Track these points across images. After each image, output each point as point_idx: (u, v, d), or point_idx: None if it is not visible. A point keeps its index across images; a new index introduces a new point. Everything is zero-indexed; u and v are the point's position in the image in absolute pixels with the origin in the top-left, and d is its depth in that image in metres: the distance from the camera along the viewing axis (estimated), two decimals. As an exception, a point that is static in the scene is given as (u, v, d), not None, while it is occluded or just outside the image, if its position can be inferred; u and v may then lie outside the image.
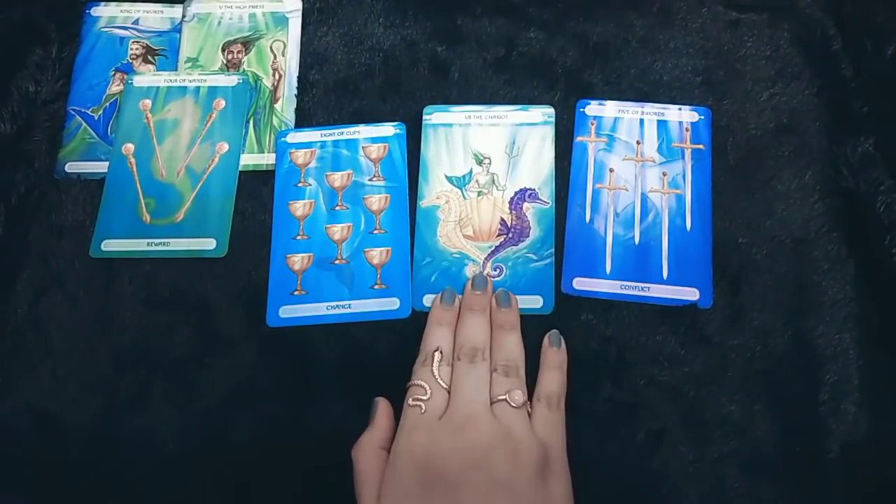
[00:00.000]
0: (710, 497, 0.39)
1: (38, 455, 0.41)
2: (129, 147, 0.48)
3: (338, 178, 0.47)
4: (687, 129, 0.47)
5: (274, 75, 0.50)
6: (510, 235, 0.45)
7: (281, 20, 0.52)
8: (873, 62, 0.48)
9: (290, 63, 0.50)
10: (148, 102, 0.49)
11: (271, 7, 0.52)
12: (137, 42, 0.51)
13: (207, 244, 0.45)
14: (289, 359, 0.43)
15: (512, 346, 0.40)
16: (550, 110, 0.48)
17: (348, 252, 0.45)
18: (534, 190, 0.46)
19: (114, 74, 0.50)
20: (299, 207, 0.46)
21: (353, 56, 0.50)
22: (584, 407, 0.41)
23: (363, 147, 0.48)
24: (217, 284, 0.44)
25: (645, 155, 0.47)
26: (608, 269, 0.44)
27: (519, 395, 0.37)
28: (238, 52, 0.51)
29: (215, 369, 0.42)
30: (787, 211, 0.45)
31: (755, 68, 0.49)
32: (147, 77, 0.50)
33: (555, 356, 0.41)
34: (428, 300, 0.43)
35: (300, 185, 0.47)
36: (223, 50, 0.51)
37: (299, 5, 0.52)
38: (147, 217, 0.46)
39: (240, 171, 0.47)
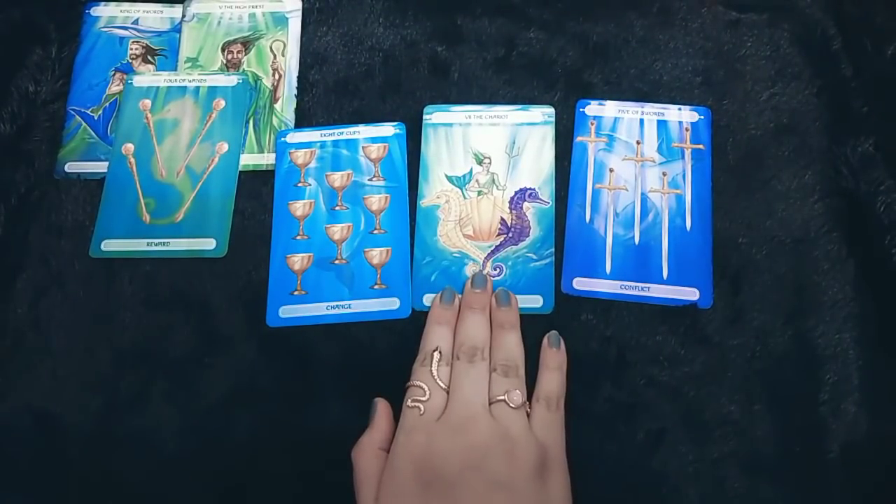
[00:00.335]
0: (710, 497, 0.39)
1: (38, 455, 0.41)
2: (129, 147, 0.48)
3: (338, 178, 0.47)
4: (687, 129, 0.47)
5: (274, 75, 0.50)
6: (510, 235, 0.45)
7: (281, 20, 0.52)
8: (873, 62, 0.48)
9: (290, 63, 0.50)
10: (148, 102, 0.49)
11: (271, 7, 0.52)
12: (137, 42, 0.51)
13: (207, 244, 0.45)
14: (289, 359, 0.43)
15: (511, 345, 0.40)
16: (550, 110, 0.48)
17: (348, 252, 0.45)
18: (534, 190, 0.46)
19: (114, 74, 0.50)
20: (299, 207, 0.46)
21: (353, 56, 0.50)
22: (584, 407, 0.41)
23: (363, 147, 0.48)
24: (217, 284, 0.44)
25: (645, 155, 0.47)
26: (608, 269, 0.44)
27: (518, 396, 0.37)
28: (238, 52, 0.51)
29: (215, 369, 0.42)
30: (787, 211, 0.45)
31: (755, 68, 0.49)
32: (147, 77, 0.50)
33: (554, 357, 0.41)
34: (428, 300, 0.43)
35: (300, 185, 0.47)
36: (223, 50, 0.51)
37: (299, 5, 0.52)
38: (147, 217, 0.46)
39: (240, 171, 0.47)
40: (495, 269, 0.44)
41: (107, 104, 0.49)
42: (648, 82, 0.49)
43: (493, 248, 0.45)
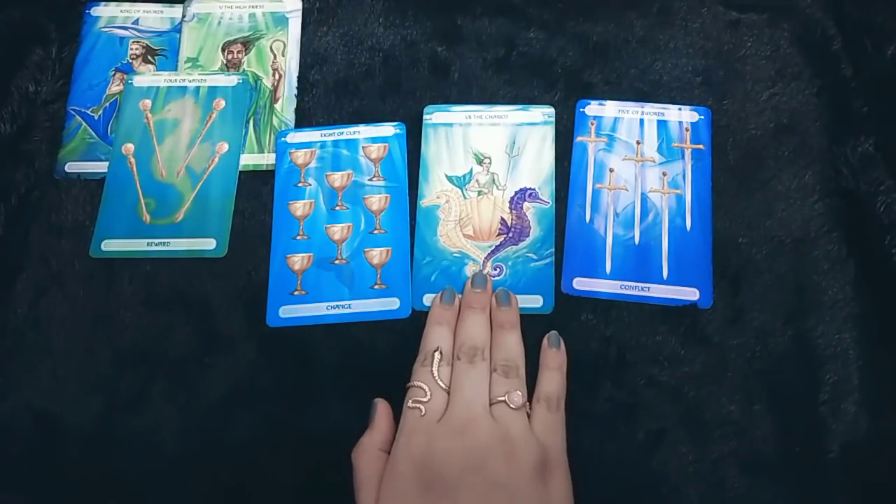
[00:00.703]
0: (710, 497, 0.39)
1: (38, 455, 0.41)
2: (129, 147, 0.48)
3: (338, 178, 0.47)
4: (687, 129, 0.47)
5: (274, 75, 0.50)
6: (510, 235, 0.45)
7: (281, 20, 0.52)
8: (873, 62, 0.48)
9: (290, 63, 0.50)
10: (148, 102, 0.49)
11: (271, 7, 0.52)
12: (137, 42, 0.51)
13: (207, 244, 0.45)
14: (289, 359, 0.43)
15: (512, 345, 0.40)
16: (550, 110, 0.48)
17: (348, 252, 0.45)
18: (534, 189, 0.46)
19: (114, 74, 0.50)
20: (299, 207, 0.46)
21: (353, 56, 0.50)
22: (584, 407, 0.41)
23: (363, 147, 0.48)
24: (217, 284, 0.44)
25: (645, 155, 0.47)
26: (608, 269, 0.44)
27: (518, 397, 0.37)
28: (238, 52, 0.51)
29: (215, 369, 0.42)
30: (787, 211, 0.45)
31: (755, 68, 0.49)
32: (147, 77, 0.50)
33: (554, 357, 0.41)
34: (428, 300, 0.43)
35: (300, 185, 0.47)
36: (223, 50, 0.51)
37: (299, 5, 0.52)
38: (147, 217, 0.46)
39: (240, 171, 0.47)
40: (495, 269, 0.44)
41: (107, 104, 0.49)
42: (648, 82, 0.49)
43: (493, 248, 0.45)
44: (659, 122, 0.47)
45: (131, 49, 0.51)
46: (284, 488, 0.40)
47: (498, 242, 0.45)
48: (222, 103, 0.49)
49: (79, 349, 0.43)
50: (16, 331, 0.43)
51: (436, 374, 0.38)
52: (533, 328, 0.42)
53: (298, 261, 0.45)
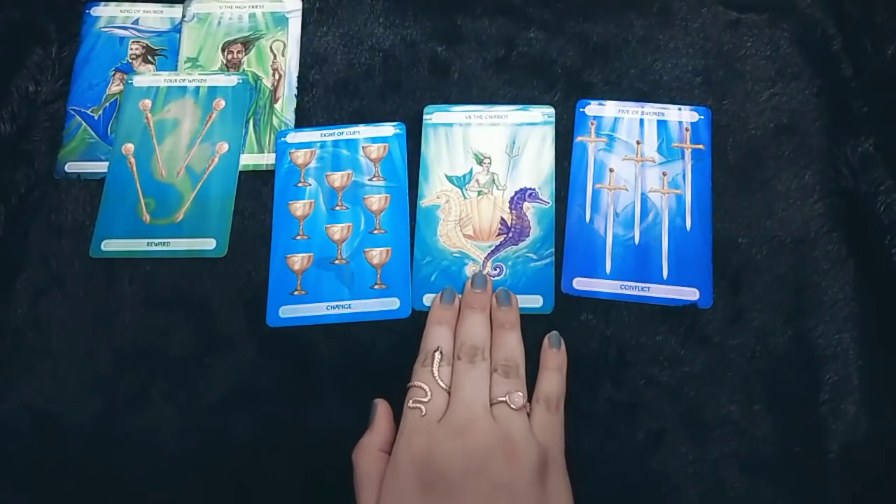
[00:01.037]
0: (710, 497, 0.39)
1: (38, 455, 0.41)
2: (129, 147, 0.48)
3: (338, 178, 0.47)
4: (687, 129, 0.47)
5: (274, 75, 0.50)
6: (510, 235, 0.45)
7: (281, 20, 0.52)
8: (873, 62, 0.48)
9: (290, 63, 0.50)
10: (148, 102, 0.49)
11: (271, 7, 0.52)
12: (137, 42, 0.51)
13: (207, 244, 0.45)
14: (289, 359, 0.43)
15: (512, 345, 0.40)
16: (550, 110, 0.48)
17: (348, 252, 0.45)
18: (534, 189, 0.46)
19: (114, 74, 0.50)
20: (299, 207, 0.46)
21: (353, 56, 0.50)
22: (584, 407, 0.41)
23: (363, 147, 0.48)
24: (217, 284, 0.44)
25: (645, 155, 0.47)
26: (608, 269, 0.44)
27: (519, 397, 0.37)
28: (238, 52, 0.51)
29: (215, 369, 0.42)
30: (787, 211, 0.45)
31: (755, 68, 0.49)
32: (147, 77, 0.50)
33: (554, 358, 0.41)
34: (428, 300, 0.43)
35: (300, 185, 0.47)
36: (223, 50, 0.51)
37: (299, 5, 0.52)
38: (147, 217, 0.46)
39: (240, 171, 0.47)
40: (495, 269, 0.44)
41: (107, 104, 0.49)
42: (648, 82, 0.49)
43: (493, 248, 0.45)
44: (659, 122, 0.47)
45: (131, 49, 0.51)
46: (284, 488, 0.40)
47: (498, 242, 0.45)
48: (222, 103, 0.49)
49: (79, 349, 0.43)
50: (16, 331, 0.43)
51: (436, 374, 0.38)
52: (533, 328, 0.42)
53: (298, 261, 0.45)
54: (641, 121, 0.47)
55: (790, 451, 0.40)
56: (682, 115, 0.47)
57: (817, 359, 0.41)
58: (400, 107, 0.49)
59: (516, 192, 0.46)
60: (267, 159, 0.48)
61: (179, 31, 0.52)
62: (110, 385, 0.42)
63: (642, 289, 0.43)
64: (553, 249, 0.44)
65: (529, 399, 0.38)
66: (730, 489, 0.39)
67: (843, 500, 0.39)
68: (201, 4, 0.52)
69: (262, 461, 0.41)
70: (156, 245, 0.45)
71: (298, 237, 0.45)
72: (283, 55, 0.51)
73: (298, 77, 0.50)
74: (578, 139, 0.47)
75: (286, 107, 0.49)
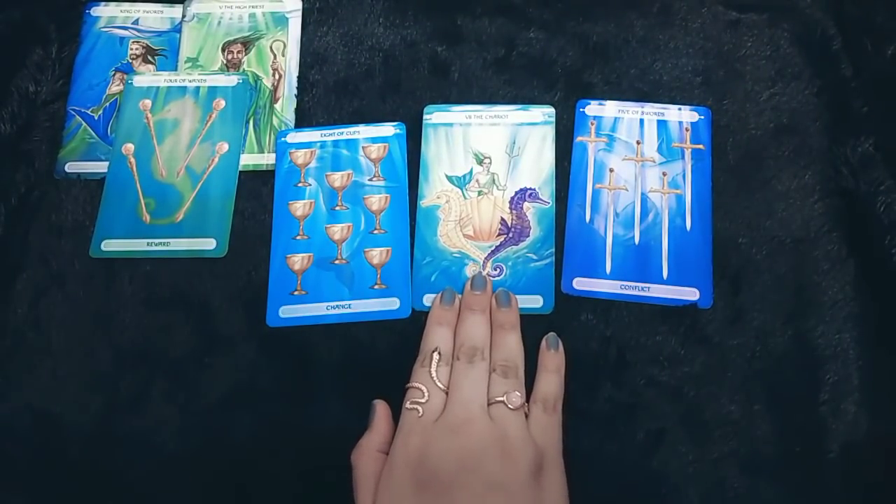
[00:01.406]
0: (710, 497, 0.39)
1: (38, 455, 0.41)
2: (129, 147, 0.48)
3: (338, 178, 0.47)
4: (687, 129, 0.47)
5: (274, 75, 0.50)
6: (510, 235, 0.45)
7: (281, 20, 0.52)
8: (873, 62, 0.48)
9: (290, 63, 0.50)
10: (148, 102, 0.49)
11: (271, 7, 0.52)
12: (137, 42, 0.51)
13: (207, 244, 0.45)
14: (289, 359, 0.43)
15: (511, 345, 0.40)
16: (551, 110, 0.48)
17: (348, 252, 0.45)
18: (534, 190, 0.46)
19: (114, 74, 0.50)
20: (299, 207, 0.46)
21: (353, 56, 0.50)
22: (584, 407, 0.41)
23: (363, 147, 0.48)
24: (217, 284, 0.44)
25: (645, 155, 0.47)
26: (608, 269, 0.44)
27: (517, 398, 0.37)
28: (238, 52, 0.51)
29: (215, 369, 0.42)
30: (787, 211, 0.45)
31: (755, 68, 0.49)
32: (147, 77, 0.50)
33: (552, 359, 0.40)
34: (428, 300, 0.43)
35: (300, 185, 0.47)
36: (223, 50, 0.51)
37: (299, 5, 0.52)
38: (147, 217, 0.46)
39: (240, 171, 0.47)
40: (495, 270, 0.44)
41: (107, 104, 0.49)
42: (648, 82, 0.49)
43: (493, 248, 0.45)
44: (659, 122, 0.47)
45: (131, 49, 0.51)
46: (284, 488, 0.40)
47: (498, 243, 0.45)
48: (222, 103, 0.49)
49: (79, 349, 0.43)
50: (16, 331, 0.43)
51: (434, 374, 0.38)
52: (533, 328, 0.42)
53: (298, 261, 0.45)
54: (641, 121, 0.47)
55: (790, 451, 0.40)
56: (682, 115, 0.47)
57: (817, 359, 0.41)
58: (400, 107, 0.49)
59: (516, 192, 0.46)
60: (267, 159, 0.48)
61: (179, 31, 0.52)
62: (110, 385, 0.42)
63: (642, 289, 0.43)
64: (553, 249, 0.44)
65: (528, 399, 0.38)
66: (730, 489, 0.39)
67: (843, 500, 0.39)
68: (201, 4, 0.52)
69: (262, 461, 0.41)
70: (156, 245, 0.45)
71: (298, 237, 0.45)
72: (283, 55, 0.51)
73: (298, 77, 0.50)
74: (578, 139, 0.47)
75: (286, 107, 0.49)
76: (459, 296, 0.42)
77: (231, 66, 0.51)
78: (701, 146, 0.47)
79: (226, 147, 0.48)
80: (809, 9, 0.50)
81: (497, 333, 0.40)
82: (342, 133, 0.48)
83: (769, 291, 0.43)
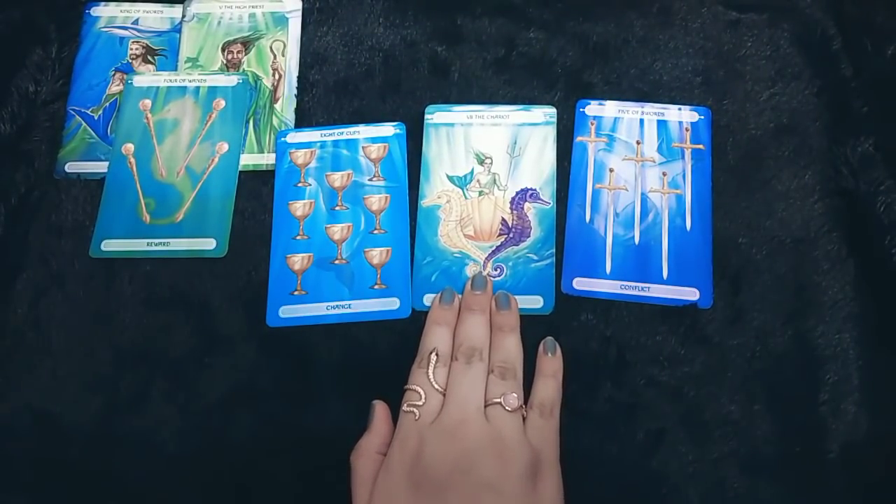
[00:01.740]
0: (710, 497, 0.39)
1: (38, 455, 0.41)
2: (129, 147, 0.48)
3: (338, 178, 0.47)
4: (687, 129, 0.47)
5: (274, 75, 0.50)
6: (511, 235, 0.45)
7: (281, 20, 0.52)
8: (873, 62, 0.48)
9: (290, 63, 0.50)
10: (148, 102, 0.49)
11: (271, 7, 0.52)
12: (137, 42, 0.51)
13: (207, 244, 0.45)
14: (289, 359, 0.43)
15: (510, 347, 0.40)
16: (552, 111, 0.48)
17: (348, 252, 0.45)
18: (535, 190, 0.46)
19: (114, 74, 0.50)
20: (299, 207, 0.46)
21: (353, 56, 0.50)
22: (584, 407, 0.41)
23: (363, 147, 0.48)
24: (217, 284, 0.44)
25: (645, 155, 0.47)
26: (608, 269, 0.44)
27: (514, 399, 0.37)
28: (238, 52, 0.51)
29: (215, 369, 0.42)
30: (787, 211, 0.45)
31: (755, 68, 0.49)
32: (147, 77, 0.50)
33: (549, 364, 0.40)
34: (428, 299, 0.43)
35: (300, 185, 0.47)
36: (223, 50, 0.51)
37: (299, 5, 0.52)
38: (147, 217, 0.46)
39: (240, 171, 0.47)
40: (496, 270, 0.44)
41: (107, 104, 0.49)
42: (648, 82, 0.49)
43: (493, 248, 0.45)
44: (659, 122, 0.47)
45: (131, 49, 0.51)
46: (284, 488, 0.40)
47: (499, 243, 0.45)
48: (222, 103, 0.49)
49: (79, 349, 0.43)
50: (16, 331, 0.43)
51: (431, 376, 0.38)
52: (533, 328, 0.42)
53: (298, 261, 0.45)
54: (641, 121, 0.47)
55: (790, 451, 0.40)
56: (682, 115, 0.47)
57: (817, 359, 0.41)
58: (400, 107, 0.49)
59: (517, 193, 0.46)
60: (267, 159, 0.48)
61: (179, 31, 0.52)
62: (110, 385, 0.42)
63: (642, 289, 0.43)
64: (553, 250, 0.44)
65: (526, 401, 0.38)
66: (730, 489, 0.39)
67: (843, 500, 0.39)
68: (201, 4, 0.52)
69: (262, 461, 0.41)
70: (156, 245, 0.45)
71: (298, 237, 0.45)
72: (283, 55, 0.51)
73: (298, 77, 0.50)
74: (578, 139, 0.47)
75: (286, 107, 0.49)
76: (459, 296, 0.42)
77: (231, 66, 0.51)
78: (701, 146, 0.47)
79: (226, 147, 0.48)
80: (809, 9, 0.50)
81: (496, 335, 0.40)
82: (342, 133, 0.48)
83: (769, 291, 0.43)
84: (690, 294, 0.43)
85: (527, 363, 0.40)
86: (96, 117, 0.49)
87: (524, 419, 0.37)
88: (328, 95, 0.49)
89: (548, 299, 0.43)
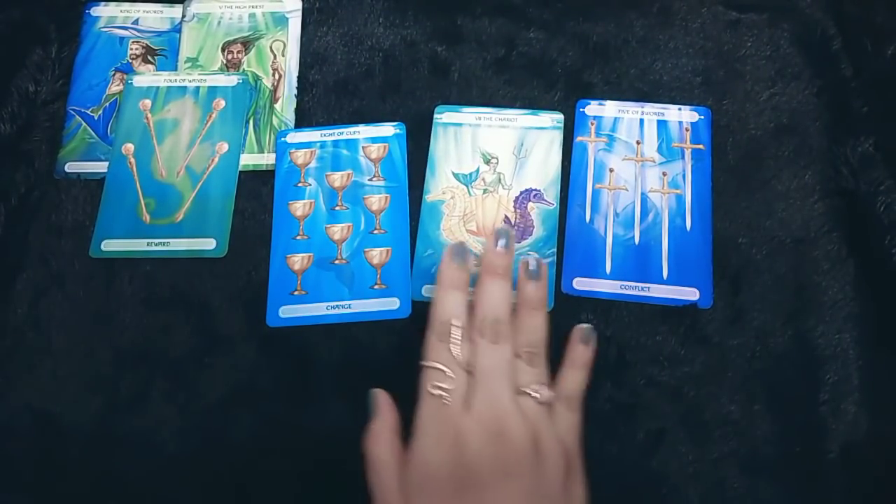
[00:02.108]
0: (710, 497, 0.39)
1: (38, 455, 0.41)
2: (129, 147, 0.48)
3: (338, 178, 0.47)
4: (687, 129, 0.47)
5: (274, 75, 0.50)
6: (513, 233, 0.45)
7: (281, 20, 0.52)
8: (873, 62, 0.48)
9: (290, 63, 0.50)
10: (148, 102, 0.49)
11: (271, 7, 0.52)
12: (137, 42, 0.51)
13: (207, 244, 0.45)
14: (289, 359, 0.43)
15: (539, 328, 0.36)
16: (560, 116, 0.48)
17: (348, 252, 0.45)
18: (539, 191, 0.46)
19: (113, 74, 0.50)
20: (299, 207, 0.46)
21: (353, 56, 0.50)
22: (585, 407, 0.41)
23: (363, 147, 0.48)
24: (217, 284, 0.44)
25: (645, 155, 0.47)
26: (608, 269, 0.44)
27: (546, 392, 0.34)
28: (238, 52, 0.51)
29: (215, 369, 0.42)
30: (787, 211, 0.45)
31: (755, 68, 0.49)
32: (147, 77, 0.50)
33: (583, 354, 0.38)
34: (428, 291, 0.43)
35: (300, 185, 0.47)
36: (223, 50, 0.51)
37: (299, 5, 0.52)
38: (147, 217, 0.46)
39: (240, 171, 0.47)
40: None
41: (107, 104, 0.49)
42: (648, 82, 0.49)
43: (493, 247, 0.45)
44: (659, 122, 0.47)
45: (131, 49, 0.51)
46: (284, 488, 0.40)
47: (500, 240, 0.45)
48: (222, 103, 0.49)
49: (79, 349, 0.43)
50: (16, 331, 0.43)
51: (457, 353, 0.34)
52: (533, 328, 0.42)
53: (298, 261, 0.45)
54: (641, 121, 0.47)
55: (790, 451, 0.40)
56: (682, 115, 0.47)
57: (817, 359, 0.41)
58: (400, 107, 0.49)
59: (521, 192, 0.46)
60: (267, 159, 0.48)
61: (179, 31, 0.52)
62: (110, 385, 0.42)
63: (642, 289, 0.43)
64: (555, 249, 0.44)
65: None
66: (730, 489, 0.39)
67: (843, 500, 0.39)
68: (201, 4, 0.52)
69: (262, 461, 0.41)
70: (156, 245, 0.45)
71: (298, 237, 0.45)
72: (283, 55, 0.51)
73: (298, 77, 0.50)
74: (578, 139, 0.47)
75: (286, 107, 0.49)
76: (473, 256, 0.38)
77: (231, 66, 0.51)
78: (701, 146, 0.47)
79: (226, 147, 0.48)
80: (809, 9, 0.50)
81: (522, 312, 0.37)
82: (342, 133, 0.48)
83: (769, 291, 0.43)
84: (690, 294, 0.43)
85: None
86: (96, 117, 0.49)
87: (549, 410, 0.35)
88: (328, 95, 0.49)
89: (548, 299, 0.43)
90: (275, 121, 0.49)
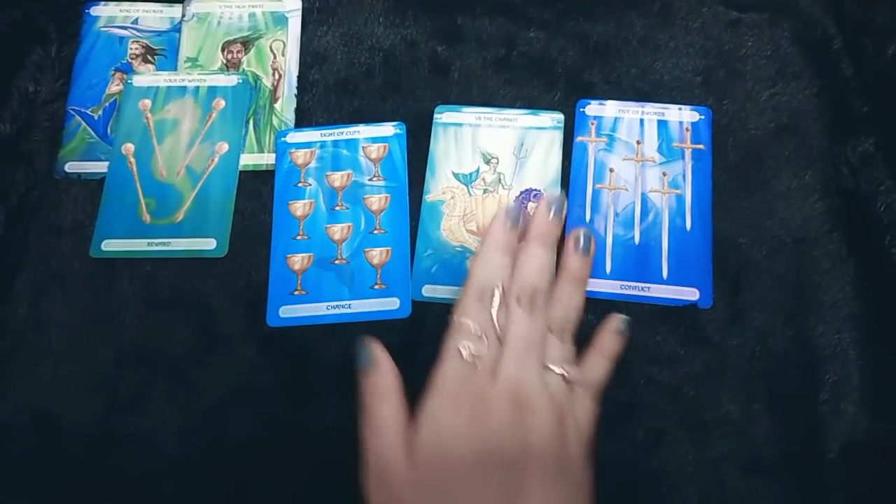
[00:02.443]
0: (710, 497, 0.39)
1: (38, 455, 0.41)
2: (129, 147, 0.48)
3: (338, 178, 0.47)
4: (687, 129, 0.47)
5: (274, 75, 0.50)
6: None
7: (281, 20, 0.52)
8: (873, 62, 0.48)
9: (290, 63, 0.50)
10: (148, 102, 0.49)
11: (271, 7, 0.52)
12: (137, 42, 0.51)
13: (207, 244, 0.45)
14: (289, 359, 0.43)
15: (577, 304, 0.35)
16: (560, 116, 0.48)
17: (348, 252, 0.45)
18: (539, 191, 0.46)
19: (113, 74, 0.50)
20: (299, 207, 0.46)
21: (353, 56, 0.50)
22: (585, 407, 0.41)
23: (363, 147, 0.48)
24: (217, 284, 0.44)
25: (645, 155, 0.47)
26: (608, 269, 0.44)
27: (575, 373, 0.33)
28: (238, 51, 0.51)
29: (215, 369, 0.42)
30: (787, 211, 0.45)
31: (755, 68, 0.49)
32: (147, 77, 0.50)
33: (615, 345, 0.37)
34: (428, 290, 0.43)
35: (300, 185, 0.47)
36: (223, 50, 0.51)
37: (299, 5, 0.52)
38: (147, 217, 0.46)
39: (240, 171, 0.47)
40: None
41: (107, 104, 0.49)
42: (649, 82, 0.49)
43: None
44: (659, 122, 0.47)
45: (131, 49, 0.51)
46: (284, 488, 0.40)
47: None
48: (222, 103, 0.49)
49: (79, 349, 0.43)
50: (16, 331, 0.43)
51: (495, 317, 0.32)
52: (533, 328, 0.42)
53: (298, 261, 0.45)
54: (642, 121, 0.47)
55: (790, 451, 0.40)
56: (682, 115, 0.47)
57: (817, 359, 0.41)
58: (400, 106, 0.49)
59: (522, 193, 0.46)
60: (267, 159, 0.48)
61: (179, 30, 0.52)
62: (111, 385, 0.42)
63: (642, 289, 0.43)
64: (553, 249, 0.44)
65: None
66: (730, 489, 0.39)
67: (843, 500, 0.39)
68: (201, 4, 0.52)
69: (262, 461, 0.41)
70: (156, 245, 0.45)
71: (298, 237, 0.45)
72: (282, 55, 0.51)
73: (298, 77, 0.50)
74: (578, 139, 0.47)
75: (286, 107, 0.49)
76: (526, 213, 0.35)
77: (231, 65, 0.51)
78: (701, 146, 0.47)
79: (226, 147, 0.48)
80: (809, 8, 0.50)
81: (563, 283, 0.35)
82: (342, 133, 0.48)
83: (769, 291, 0.43)
84: (690, 294, 0.43)
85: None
86: (96, 117, 0.49)
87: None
88: (328, 95, 0.49)
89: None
90: (275, 121, 0.49)
